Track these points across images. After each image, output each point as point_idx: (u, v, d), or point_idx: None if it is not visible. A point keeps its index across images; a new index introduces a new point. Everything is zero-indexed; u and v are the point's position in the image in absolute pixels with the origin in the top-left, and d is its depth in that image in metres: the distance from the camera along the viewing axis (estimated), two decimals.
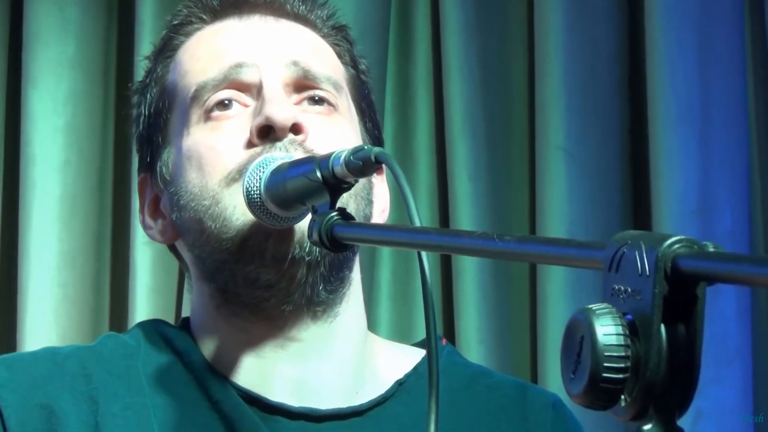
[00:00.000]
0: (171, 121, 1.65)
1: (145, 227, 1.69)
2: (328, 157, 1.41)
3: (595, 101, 2.80)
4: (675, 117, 2.73)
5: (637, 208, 2.82)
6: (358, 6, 2.81)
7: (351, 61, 1.72)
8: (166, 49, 1.69)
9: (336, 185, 1.41)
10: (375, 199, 1.64)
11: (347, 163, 1.38)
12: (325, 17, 1.71)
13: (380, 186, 1.68)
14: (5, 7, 2.94)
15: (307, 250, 1.52)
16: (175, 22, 1.70)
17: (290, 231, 1.52)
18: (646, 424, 0.91)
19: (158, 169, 1.64)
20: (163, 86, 1.67)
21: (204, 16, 1.68)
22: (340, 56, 1.70)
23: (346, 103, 1.65)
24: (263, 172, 1.48)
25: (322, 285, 1.55)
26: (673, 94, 2.73)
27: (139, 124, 1.70)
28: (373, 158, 1.37)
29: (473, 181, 2.80)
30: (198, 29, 1.68)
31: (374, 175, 1.62)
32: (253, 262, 1.54)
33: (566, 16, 2.80)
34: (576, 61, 2.79)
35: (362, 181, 1.53)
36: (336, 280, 1.57)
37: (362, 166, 1.38)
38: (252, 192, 1.48)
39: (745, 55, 2.79)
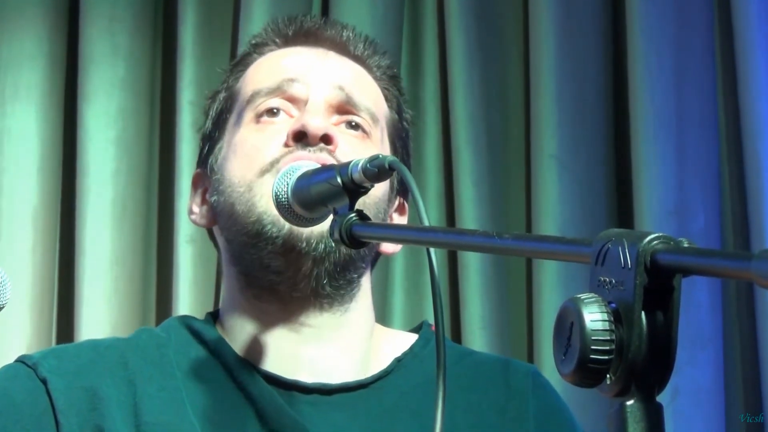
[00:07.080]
0: (228, 120, 1.68)
1: (190, 213, 1.70)
2: (347, 164, 1.41)
3: (584, 115, 2.80)
4: (654, 129, 2.72)
5: (621, 210, 2.81)
6: (374, 34, 2.80)
7: (396, 107, 1.74)
8: (241, 64, 1.74)
9: (354, 189, 1.40)
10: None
11: (364, 170, 1.38)
12: (381, 64, 1.74)
13: (400, 221, 1.71)
14: (63, 34, 2.94)
15: (313, 246, 1.54)
16: (254, 42, 1.75)
17: (300, 228, 1.53)
18: (628, 399, 0.90)
19: (210, 160, 1.67)
20: (230, 93, 1.71)
21: (277, 40, 1.72)
22: (387, 99, 1.73)
23: (380, 135, 1.67)
24: (290, 178, 1.48)
25: (326, 280, 1.57)
26: (652, 109, 2.73)
27: (206, 124, 1.73)
28: (387, 165, 1.37)
29: (476, 186, 2.79)
30: (271, 50, 1.72)
31: (397, 215, 1.67)
32: (266, 248, 1.55)
33: (558, 41, 2.80)
34: (566, 80, 2.79)
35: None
36: (341, 279, 1.59)
37: (377, 172, 1.38)
38: (281, 196, 1.48)
39: (715, 75, 2.78)
